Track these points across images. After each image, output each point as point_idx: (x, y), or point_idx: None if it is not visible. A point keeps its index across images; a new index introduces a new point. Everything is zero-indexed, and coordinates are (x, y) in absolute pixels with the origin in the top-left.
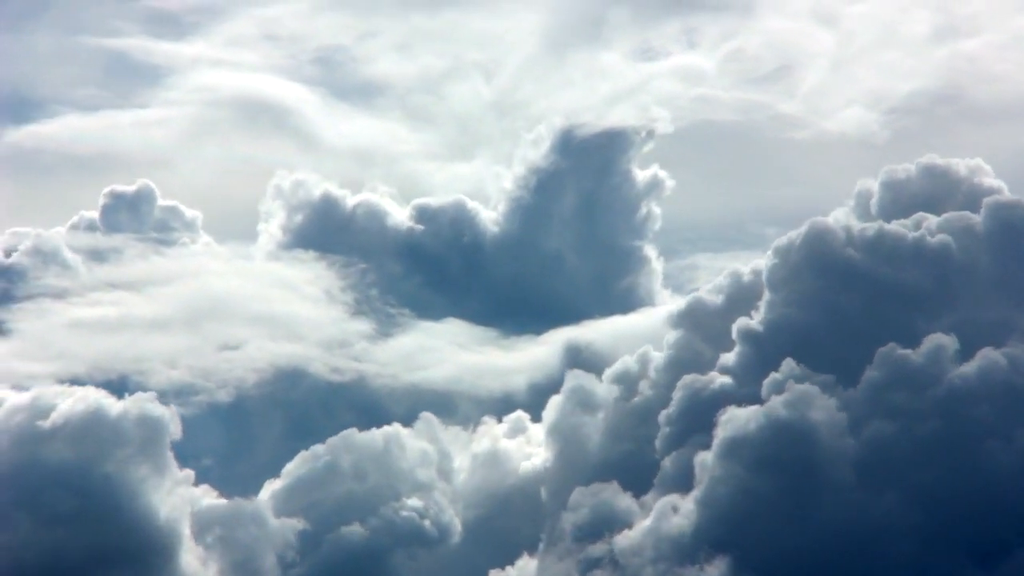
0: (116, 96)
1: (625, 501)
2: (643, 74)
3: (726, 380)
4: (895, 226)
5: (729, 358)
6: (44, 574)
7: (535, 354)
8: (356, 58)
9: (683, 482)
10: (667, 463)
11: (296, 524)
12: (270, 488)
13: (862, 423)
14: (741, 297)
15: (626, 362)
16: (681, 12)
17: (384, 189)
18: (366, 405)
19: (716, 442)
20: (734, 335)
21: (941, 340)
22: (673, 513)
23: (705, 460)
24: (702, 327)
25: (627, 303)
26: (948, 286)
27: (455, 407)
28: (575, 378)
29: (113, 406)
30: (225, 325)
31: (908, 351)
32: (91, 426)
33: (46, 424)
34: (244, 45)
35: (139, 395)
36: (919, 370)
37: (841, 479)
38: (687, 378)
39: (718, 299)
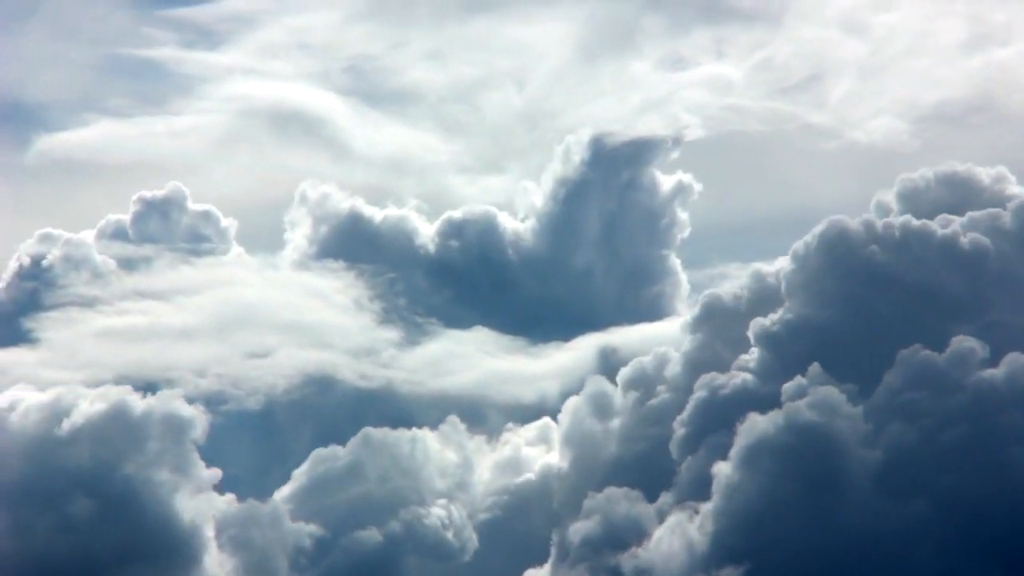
0: (149, 105)
1: (639, 507)
2: (672, 84)
3: (746, 377)
4: (921, 223)
5: (748, 359)
6: (64, 574)
7: (563, 360)
8: (388, 67)
9: (700, 486)
10: (683, 467)
11: (310, 528)
12: (286, 489)
13: (883, 428)
14: (763, 297)
15: (642, 362)
16: (711, 22)
17: (413, 203)
18: (394, 411)
19: (736, 450)
20: (751, 337)
21: (967, 343)
22: (688, 524)
23: (724, 469)
24: (721, 328)
25: (655, 311)
26: (975, 287)
27: (483, 413)
28: (595, 384)
29: (137, 404)
30: (254, 333)
31: (931, 353)
32: (115, 424)
33: (70, 421)
34: (276, 54)
35: (165, 393)
36: (943, 373)
37: (863, 486)
38: (705, 377)
39: (736, 298)
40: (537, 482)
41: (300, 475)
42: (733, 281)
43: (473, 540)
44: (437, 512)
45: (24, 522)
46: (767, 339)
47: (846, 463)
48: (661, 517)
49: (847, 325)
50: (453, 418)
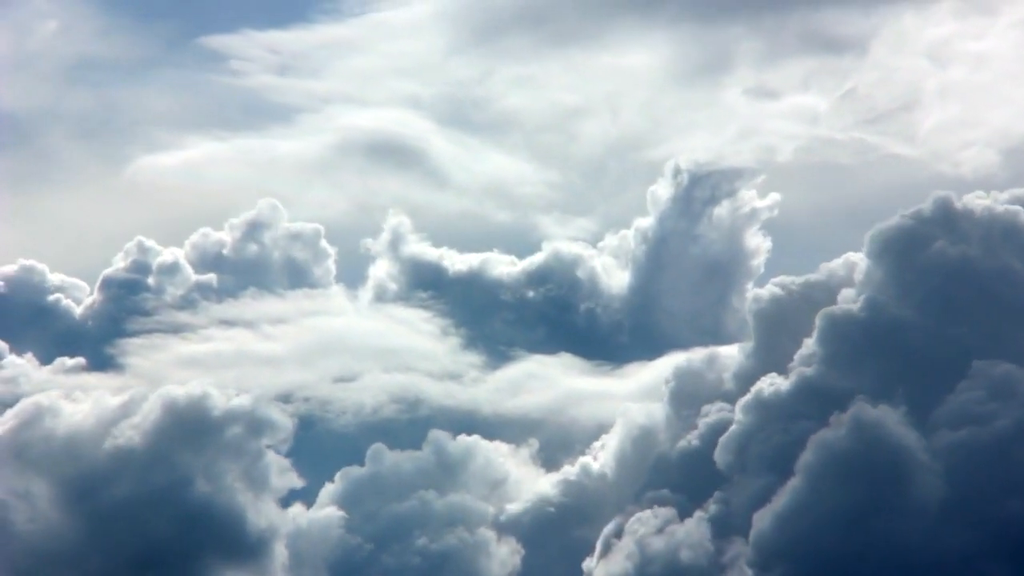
0: (245, 131)
1: (677, 532)
2: (759, 114)
3: (800, 378)
4: (1006, 210)
5: (801, 362)
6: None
7: (646, 378)
8: (484, 94)
9: (748, 497)
10: (732, 477)
11: (365, 547)
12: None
13: (949, 446)
14: (821, 299)
15: (691, 361)
16: (804, 50)
17: (497, 249)
18: (478, 430)
19: (797, 480)
20: (806, 341)
21: None
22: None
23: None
24: (776, 329)
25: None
26: None
27: (566, 432)
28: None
29: (219, 402)
30: (341, 360)
31: (1012, 366)
32: (193, 420)
33: (145, 417)
34: (372, 80)
35: (250, 395)
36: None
37: (926, 511)
38: (764, 379)
39: (792, 296)
40: (581, 483)
41: (355, 474)
42: None
43: None
44: (498, 551)
45: (93, 511)
46: (822, 342)
47: (908, 486)
48: (715, 531)
49: (914, 330)
50: (533, 441)
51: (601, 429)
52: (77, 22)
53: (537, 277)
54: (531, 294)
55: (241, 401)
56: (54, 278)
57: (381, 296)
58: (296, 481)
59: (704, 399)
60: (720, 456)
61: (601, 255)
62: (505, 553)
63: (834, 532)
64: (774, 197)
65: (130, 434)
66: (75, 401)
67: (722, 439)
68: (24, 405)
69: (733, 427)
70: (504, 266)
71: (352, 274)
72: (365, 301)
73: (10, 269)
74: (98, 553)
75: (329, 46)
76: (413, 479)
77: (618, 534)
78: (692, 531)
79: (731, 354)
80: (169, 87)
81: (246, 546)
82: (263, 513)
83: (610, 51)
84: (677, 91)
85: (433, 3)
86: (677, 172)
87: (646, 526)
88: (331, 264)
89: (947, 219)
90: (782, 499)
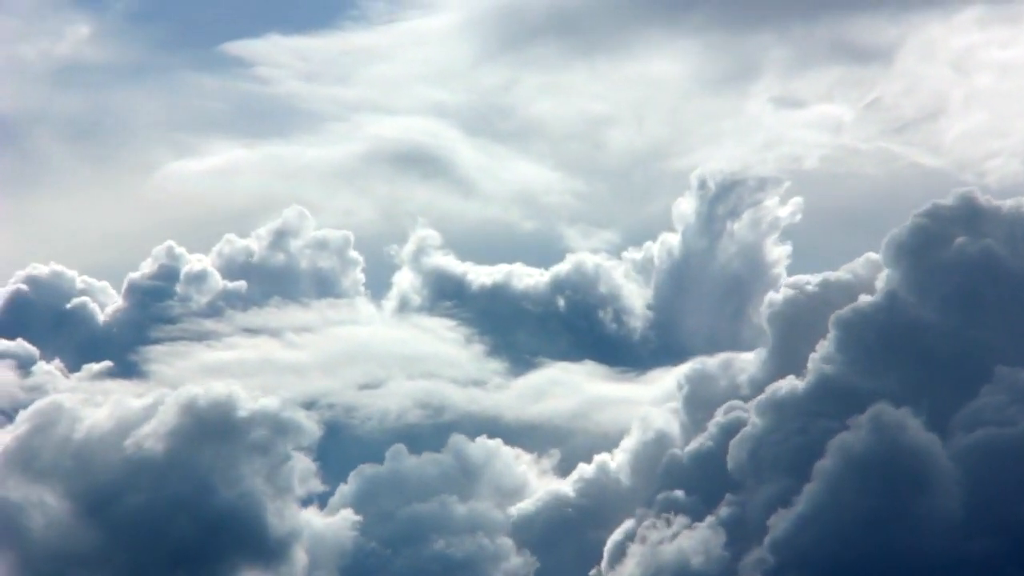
0: (272, 138)
1: (692, 537)
2: (785, 122)
3: (815, 380)
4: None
5: (817, 364)
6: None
7: (669, 384)
8: (511, 102)
9: (762, 500)
10: (746, 479)
11: (382, 551)
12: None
13: (969, 451)
14: (838, 301)
15: (705, 364)
16: (823, 61)
17: (523, 261)
18: (502, 436)
19: (816, 480)
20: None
21: None
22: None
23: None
24: (791, 332)
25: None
26: None
27: (588, 437)
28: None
29: (245, 403)
30: (366, 367)
31: None
32: (222, 423)
33: (176, 418)
34: (400, 88)
35: (273, 398)
36: None
37: (949, 515)
38: (780, 382)
39: (811, 298)
40: (598, 481)
41: (369, 473)
42: None
43: None
44: (515, 560)
45: (116, 514)
46: (837, 345)
47: (928, 491)
48: (728, 535)
49: (934, 332)
50: (555, 451)
51: (623, 435)
52: (106, 28)
53: (561, 287)
54: (555, 304)
55: (268, 402)
56: (81, 282)
57: (405, 306)
58: (320, 486)
59: (719, 403)
60: (733, 459)
61: (624, 266)
62: (520, 562)
63: (853, 537)
64: (796, 202)
65: (153, 437)
66: (96, 405)
67: (734, 441)
68: (40, 406)
69: (747, 428)
70: (529, 278)
71: (378, 282)
72: (390, 310)
73: (39, 271)
74: (120, 555)
75: (356, 53)
76: (431, 482)
77: (629, 538)
78: (707, 537)
79: (748, 359)
80: (196, 93)
81: (267, 549)
82: (286, 517)
83: (636, 59)
84: (703, 99)
85: (460, 11)
86: (702, 183)
87: (658, 532)
88: (359, 273)
89: (969, 216)
90: (799, 503)
